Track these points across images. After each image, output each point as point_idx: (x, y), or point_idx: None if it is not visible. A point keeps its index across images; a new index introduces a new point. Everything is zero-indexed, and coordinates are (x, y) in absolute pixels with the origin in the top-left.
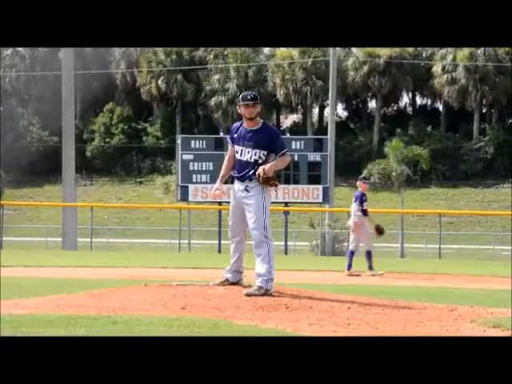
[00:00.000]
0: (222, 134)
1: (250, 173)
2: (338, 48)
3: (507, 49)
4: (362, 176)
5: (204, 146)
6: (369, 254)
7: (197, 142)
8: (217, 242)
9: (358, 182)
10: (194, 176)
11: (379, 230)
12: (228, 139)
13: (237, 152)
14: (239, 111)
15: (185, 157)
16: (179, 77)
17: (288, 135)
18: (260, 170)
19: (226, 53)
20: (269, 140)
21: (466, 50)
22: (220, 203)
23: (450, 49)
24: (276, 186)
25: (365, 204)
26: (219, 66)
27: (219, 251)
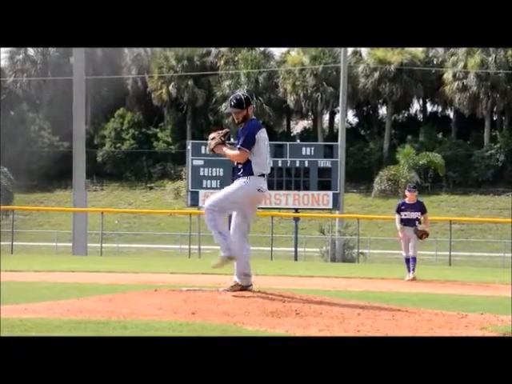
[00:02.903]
0: (232, 139)
1: (239, 172)
2: (348, 54)
3: None
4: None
5: None
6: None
7: (207, 147)
8: None
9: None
10: (204, 181)
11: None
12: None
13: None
14: None
15: (195, 162)
16: (190, 82)
17: (298, 141)
18: (212, 142)
19: (236, 59)
20: (239, 134)
21: (477, 57)
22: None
23: (461, 56)
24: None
25: (397, 215)
26: (230, 71)
27: None
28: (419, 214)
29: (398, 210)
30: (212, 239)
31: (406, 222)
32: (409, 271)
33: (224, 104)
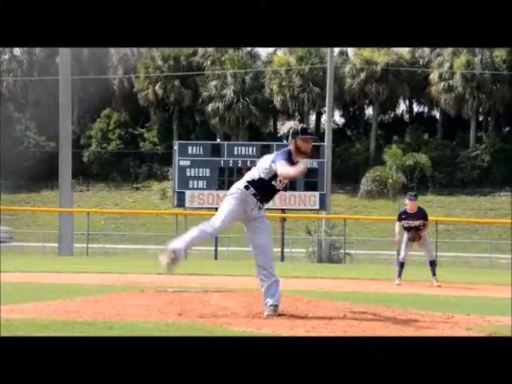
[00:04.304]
0: (218, 140)
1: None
2: (335, 55)
3: (504, 57)
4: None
5: (201, 152)
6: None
7: (194, 147)
8: (213, 248)
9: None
10: (190, 182)
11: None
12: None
13: (275, 181)
14: (297, 143)
15: (182, 163)
16: (176, 83)
17: (285, 141)
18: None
19: (223, 59)
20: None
21: (462, 58)
22: (217, 209)
23: (446, 56)
24: None
25: (397, 222)
26: (216, 72)
27: (215, 258)
28: (421, 221)
29: (399, 219)
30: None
31: (408, 229)
32: (399, 276)
33: (210, 104)
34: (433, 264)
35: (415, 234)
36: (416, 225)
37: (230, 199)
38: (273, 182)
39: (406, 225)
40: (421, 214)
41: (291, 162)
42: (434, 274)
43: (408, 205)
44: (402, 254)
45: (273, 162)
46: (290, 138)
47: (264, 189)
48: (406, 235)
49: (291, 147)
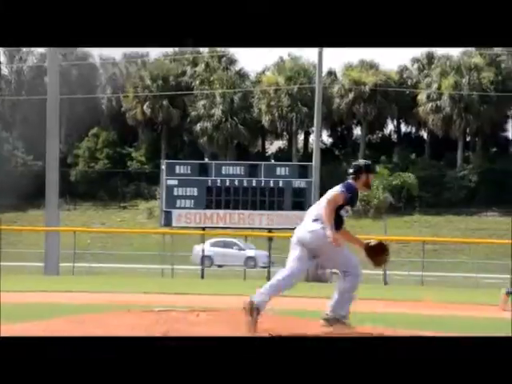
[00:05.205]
0: (206, 159)
1: None
2: (323, 75)
3: (491, 78)
4: None
5: (189, 172)
6: None
7: (181, 167)
8: (200, 267)
9: None
10: (178, 201)
11: None
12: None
13: (347, 210)
14: (364, 178)
15: (169, 182)
16: (165, 102)
17: (273, 161)
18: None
19: (211, 79)
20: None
21: (450, 79)
22: (204, 229)
23: (434, 77)
24: None
25: None
26: (205, 91)
27: (202, 277)
28: None
29: None
30: (185, 259)
31: None
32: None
33: (199, 124)
34: None
35: None
36: None
37: (309, 245)
38: (341, 212)
39: None
40: None
41: (351, 199)
42: None
43: None
44: None
45: (342, 191)
46: (364, 171)
47: (336, 221)
48: None
49: (359, 183)
